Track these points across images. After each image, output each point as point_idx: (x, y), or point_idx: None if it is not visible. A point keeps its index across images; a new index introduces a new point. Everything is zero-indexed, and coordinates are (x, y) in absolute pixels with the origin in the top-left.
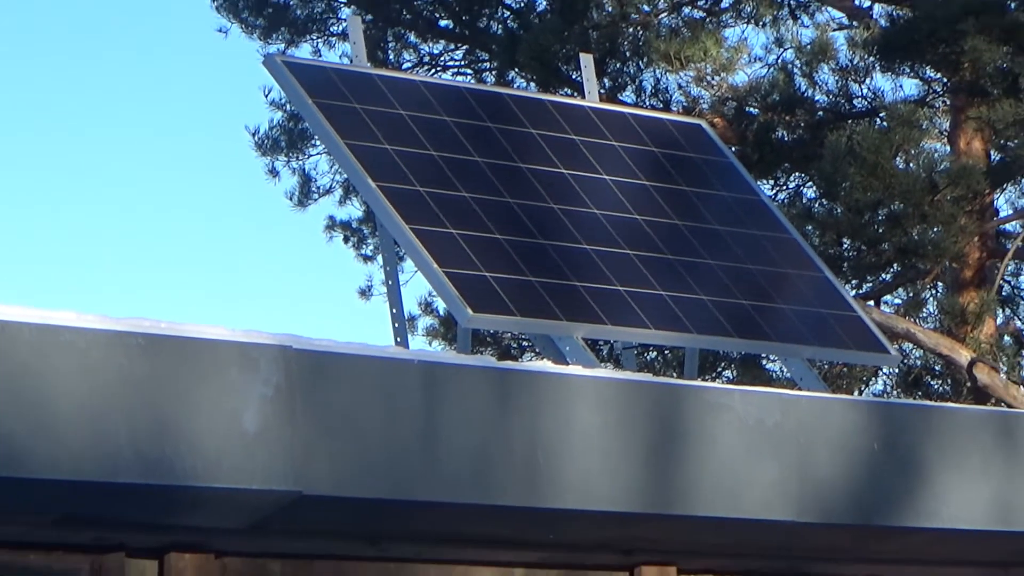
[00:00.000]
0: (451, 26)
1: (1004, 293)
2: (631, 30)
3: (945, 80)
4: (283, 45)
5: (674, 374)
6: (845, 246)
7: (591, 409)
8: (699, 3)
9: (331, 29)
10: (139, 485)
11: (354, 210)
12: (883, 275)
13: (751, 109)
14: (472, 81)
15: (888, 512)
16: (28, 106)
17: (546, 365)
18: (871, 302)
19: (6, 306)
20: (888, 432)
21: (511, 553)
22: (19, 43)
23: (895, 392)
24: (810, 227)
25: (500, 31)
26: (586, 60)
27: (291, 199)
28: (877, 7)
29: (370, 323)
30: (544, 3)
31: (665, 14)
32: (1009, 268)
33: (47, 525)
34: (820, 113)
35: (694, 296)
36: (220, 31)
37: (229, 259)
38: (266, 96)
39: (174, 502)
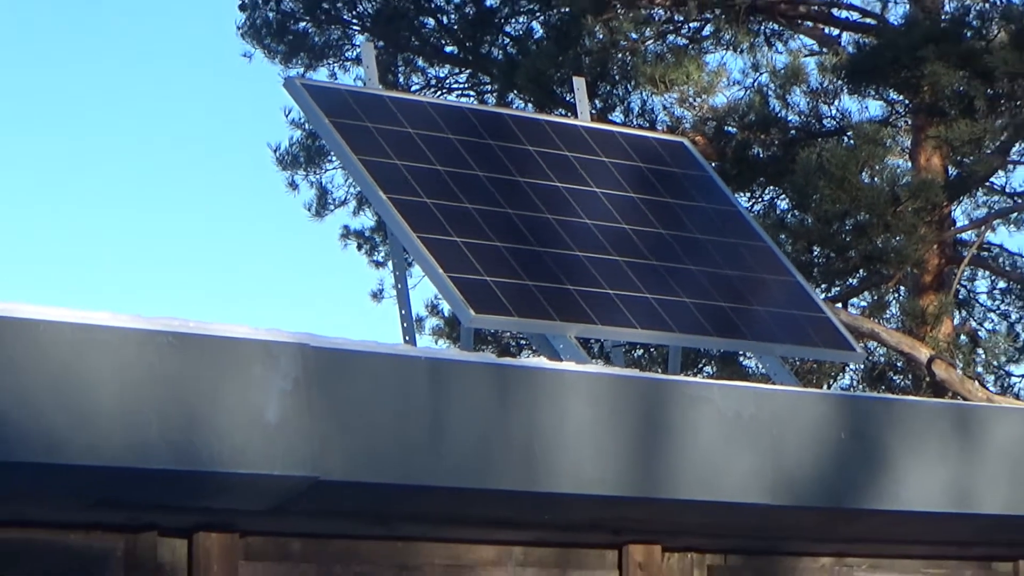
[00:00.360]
0: (456, 52)
1: (960, 296)
2: (620, 56)
3: (907, 102)
4: (302, 69)
5: (659, 370)
6: (815, 253)
7: (583, 402)
8: (682, 31)
9: (346, 54)
10: (169, 471)
11: (367, 220)
12: (850, 280)
13: (730, 128)
14: (475, 102)
15: (854, 496)
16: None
17: (542, 362)
18: (839, 304)
19: (47, 307)
20: (854, 423)
21: (509, 533)
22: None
23: (861, 386)
24: (783, 236)
25: (500, 56)
26: (579, 83)
27: (309, 210)
28: (845, 35)
29: (381, 323)
30: (540, 31)
31: (651, 41)
32: (965, 274)
33: (86, 507)
34: (792, 132)
35: (677, 299)
36: (245, 56)
37: (252, 264)
38: (286, 116)
39: (201, 486)
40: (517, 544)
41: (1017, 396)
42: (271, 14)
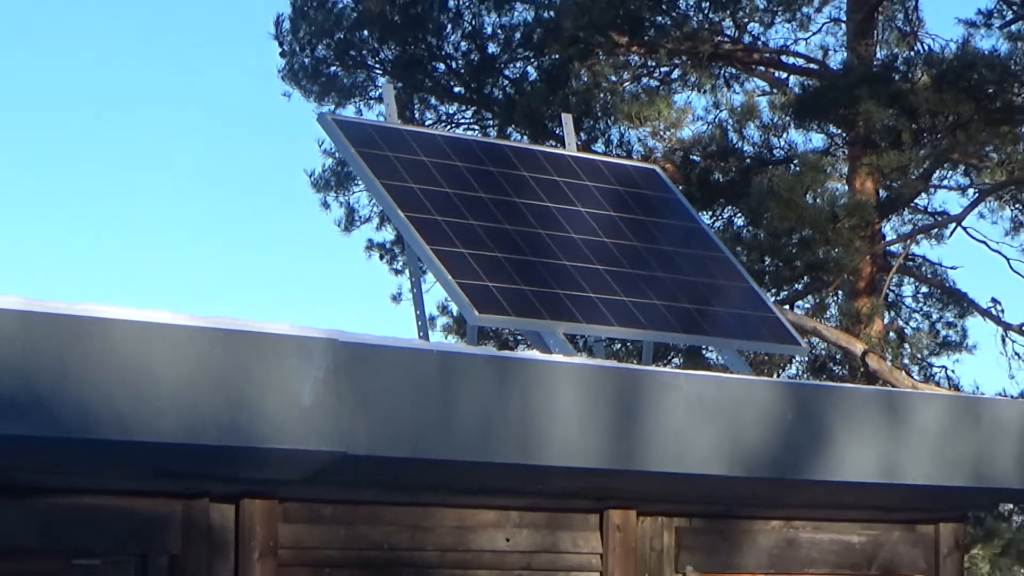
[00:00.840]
0: (463, 92)
1: (890, 299)
2: (602, 95)
3: (844, 135)
4: (333, 106)
5: (634, 361)
6: (766, 263)
7: (570, 388)
8: (654, 74)
9: (370, 94)
10: (219, 447)
11: (387, 235)
12: (796, 285)
13: (694, 157)
14: (478, 134)
15: (799, 468)
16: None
17: (535, 355)
18: (786, 306)
19: (116, 308)
20: (799, 406)
21: (507, 499)
22: (141, 105)
23: (805, 375)
24: (739, 248)
25: (500, 96)
26: (567, 119)
27: (339, 226)
28: (792, 78)
29: (399, 322)
30: (534, 74)
31: (628, 83)
32: (894, 280)
33: (149, 478)
34: (747, 160)
35: (649, 301)
36: (284, 95)
37: (290, 271)
38: (319, 146)
39: (246, 460)
40: (514, 509)
41: (938, 384)
42: (306, 60)
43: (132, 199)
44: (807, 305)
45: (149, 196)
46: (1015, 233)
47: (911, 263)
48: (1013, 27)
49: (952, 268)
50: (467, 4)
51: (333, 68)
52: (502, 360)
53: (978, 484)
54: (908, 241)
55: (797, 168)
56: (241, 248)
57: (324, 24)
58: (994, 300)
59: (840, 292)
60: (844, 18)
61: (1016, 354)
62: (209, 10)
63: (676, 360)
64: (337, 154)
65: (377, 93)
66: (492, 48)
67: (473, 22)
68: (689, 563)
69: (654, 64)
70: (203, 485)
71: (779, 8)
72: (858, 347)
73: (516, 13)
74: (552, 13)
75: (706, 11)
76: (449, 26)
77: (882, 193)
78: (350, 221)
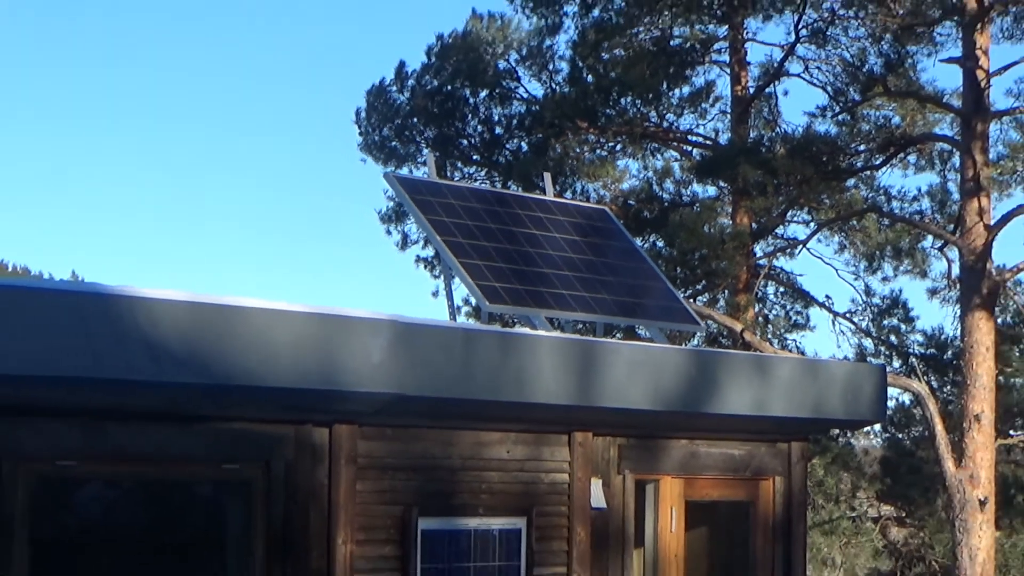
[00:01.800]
0: (479, 158)
1: (759, 295)
2: (570, 161)
3: (729, 187)
4: (393, 168)
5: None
6: (678, 271)
7: (548, 353)
8: (604, 147)
9: (418, 160)
10: (320, 390)
11: (428, 252)
12: (697, 286)
13: (631, 201)
14: (489, 186)
15: (698, 404)
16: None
17: (526, 331)
18: (691, 299)
19: (251, 299)
20: (699, 364)
21: (508, 425)
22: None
23: (703, 344)
24: (660, 261)
25: (503, 161)
26: (547, 176)
27: (397, 246)
28: (695, 150)
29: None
30: (526, 147)
31: (587, 152)
32: (761, 283)
33: (273, 411)
34: (665, 203)
35: (600, 296)
36: (362, 160)
37: (365, 277)
38: (384, 194)
39: (337, 399)
40: (511, 431)
41: (790, 351)
42: (376, 137)
43: (266, 225)
44: (704, 299)
45: (277, 222)
46: (841, 252)
47: (773, 271)
48: (839, 117)
49: (800, 275)
50: (482, 101)
51: (393, 143)
52: (504, 335)
53: (816, 416)
54: (771, 257)
55: (698, 209)
56: (333, 260)
57: (387, 114)
58: (827, 296)
59: (726, 291)
60: (729, 111)
61: (842, 331)
62: (309, 104)
63: (618, 335)
64: (396, 199)
65: (422, 159)
66: (498, 130)
67: (485, 113)
68: (627, 468)
69: (604, 140)
70: (308, 415)
71: (686, 104)
72: (738, 327)
73: (513, 107)
74: (537, 107)
75: (638, 106)
76: (469, 115)
77: (754, 225)
78: (404, 243)
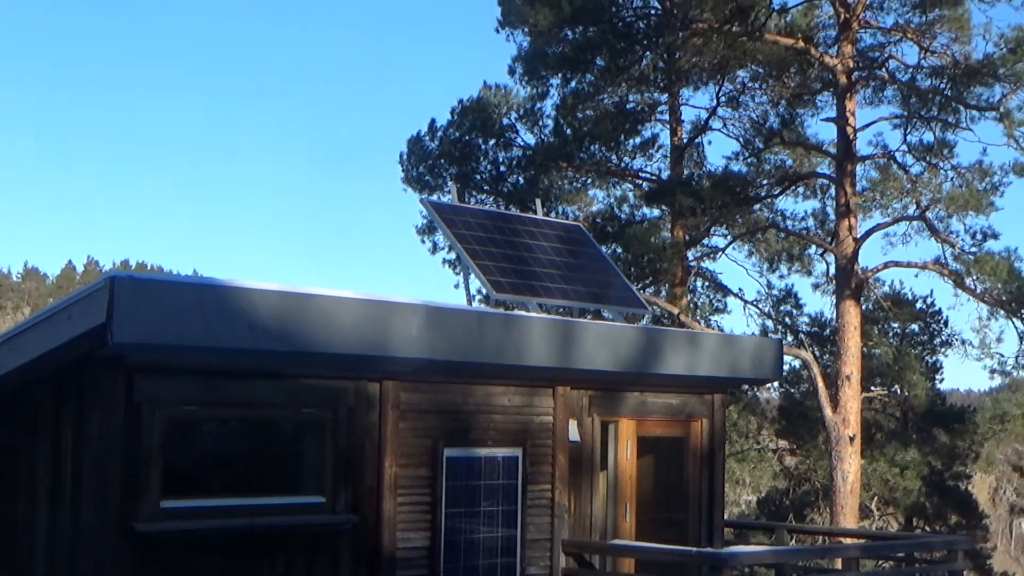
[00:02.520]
0: (488, 188)
1: (690, 288)
2: (554, 191)
3: (669, 209)
4: (427, 194)
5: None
6: (632, 270)
7: (539, 331)
8: (577, 181)
9: (445, 189)
10: (373, 356)
11: (452, 255)
12: (646, 281)
13: (598, 220)
14: (495, 208)
15: (647, 367)
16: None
17: (523, 313)
18: (641, 291)
19: (319, 288)
20: (647, 338)
21: (509, 381)
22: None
23: (650, 323)
24: (619, 263)
25: (506, 191)
26: (537, 201)
27: (429, 252)
28: (645, 184)
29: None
30: (522, 180)
31: (567, 184)
32: (692, 279)
33: (338, 370)
34: (623, 221)
35: (576, 287)
36: (404, 190)
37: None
38: (420, 214)
39: (386, 362)
40: (512, 386)
41: (712, 328)
42: (414, 172)
43: (338, 237)
44: (651, 291)
45: (346, 236)
46: (749, 257)
47: (700, 271)
48: (748, 160)
49: (720, 273)
50: (490, 147)
51: (426, 177)
52: (507, 316)
53: (731, 375)
54: (699, 260)
55: (646, 225)
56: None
57: (422, 156)
58: (740, 289)
59: (667, 285)
60: (668, 156)
61: (750, 315)
62: (366, 149)
63: (589, 316)
64: (428, 217)
65: (448, 189)
66: (502, 168)
67: (492, 156)
68: (595, 412)
69: (579, 176)
70: (364, 374)
71: (638, 150)
72: (675, 310)
73: (513, 151)
74: (530, 152)
75: (603, 151)
76: (481, 157)
77: (687, 237)
78: (434, 249)
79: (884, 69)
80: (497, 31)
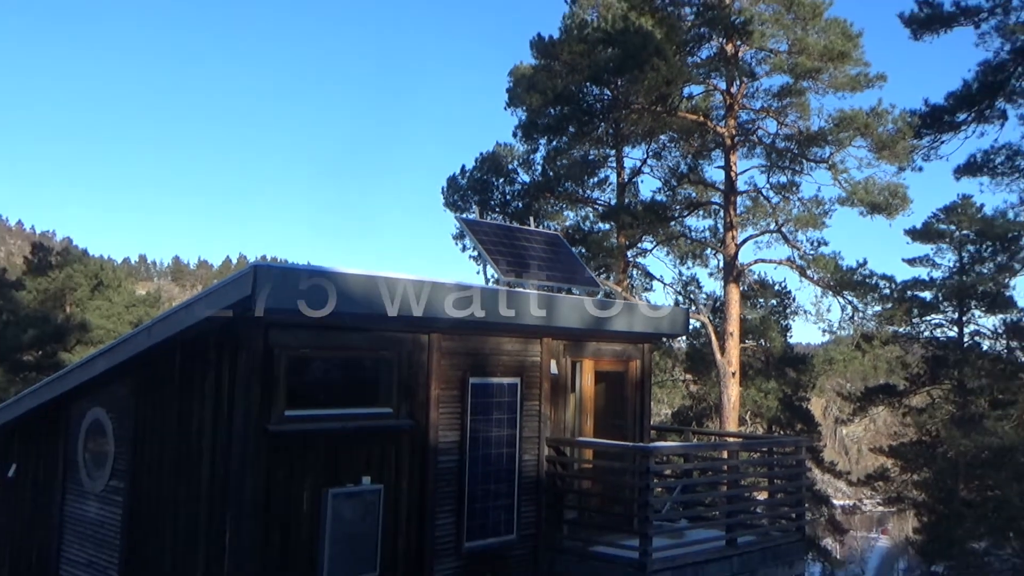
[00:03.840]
0: (499, 209)
1: (629, 275)
2: (541, 212)
3: (617, 225)
4: (459, 213)
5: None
6: (591, 264)
7: (532, 300)
8: (558, 205)
9: (471, 210)
10: (423, 317)
11: (474, 253)
12: (600, 270)
13: (570, 231)
14: (504, 222)
15: (601, 326)
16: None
17: (522, 290)
18: (597, 276)
19: (384, 270)
20: (601, 307)
21: (513, 334)
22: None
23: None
24: (583, 259)
25: (512, 211)
26: (531, 219)
27: (461, 250)
28: (600, 207)
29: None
30: (521, 205)
31: (549, 207)
32: (630, 270)
33: (398, 327)
34: (587, 232)
35: (556, 273)
36: (445, 209)
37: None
38: (455, 227)
39: (431, 321)
40: (513, 336)
41: (643, 301)
42: (450, 200)
43: (402, 244)
44: (603, 276)
45: (408, 243)
46: (668, 255)
47: (636, 265)
48: (667, 193)
49: (648, 266)
50: (499, 184)
51: (459, 202)
52: (511, 291)
53: (655, 331)
54: (635, 257)
55: (601, 235)
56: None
57: (456, 188)
58: (660, 276)
59: (613, 272)
60: (615, 189)
61: (668, 293)
62: (419, 182)
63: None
64: (460, 228)
65: (473, 210)
66: (508, 196)
67: (502, 189)
68: (568, 354)
69: (558, 203)
70: (418, 329)
71: (596, 186)
72: (620, 289)
73: (515, 186)
74: (526, 186)
75: (574, 186)
76: (495, 190)
77: (627, 242)
78: (463, 248)
79: (755, 135)
80: (505, 108)
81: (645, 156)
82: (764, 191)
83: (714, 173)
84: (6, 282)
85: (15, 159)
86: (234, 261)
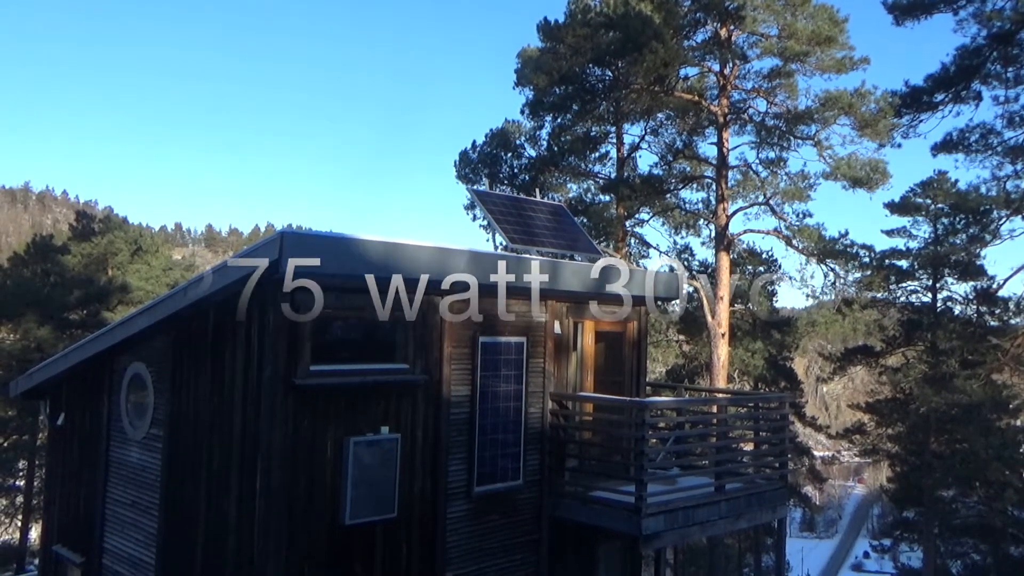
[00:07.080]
0: (508, 182)
1: (628, 244)
2: (546, 185)
3: (617, 197)
4: (470, 185)
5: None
6: (593, 233)
7: (537, 267)
8: (562, 178)
9: (481, 182)
10: (437, 279)
11: (485, 222)
12: (601, 239)
13: (573, 202)
14: (512, 193)
15: (601, 289)
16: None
17: (529, 256)
18: (598, 244)
19: (403, 237)
20: (601, 272)
21: (518, 296)
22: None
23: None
24: (585, 228)
25: (520, 183)
26: (537, 190)
27: (472, 220)
28: (601, 180)
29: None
30: (528, 178)
31: (554, 180)
32: (629, 239)
33: (418, 289)
34: (588, 203)
35: (560, 240)
36: (457, 181)
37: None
38: (467, 197)
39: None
40: (521, 299)
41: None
42: (463, 172)
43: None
44: (604, 244)
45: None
46: (664, 225)
47: (634, 234)
48: (663, 167)
49: (645, 235)
50: (508, 158)
51: (470, 175)
52: (518, 257)
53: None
54: (632, 227)
55: (601, 205)
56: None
57: (468, 162)
58: (657, 245)
59: (613, 240)
60: (615, 163)
61: (664, 259)
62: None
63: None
64: (471, 199)
65: (483, 182)
66: (516, 170)
67: (510, 163)
68: (570, 316)
69: (561, 175)
70: (432, 291)
71: (597, 160)
72: (619, 256)
73: (522, 160)
74: (532, 160)
75: (577, 161)
76: (503, 164)
77: (625, 213)
78: (474, 218)
79: (746, 114)
80: (514, 87)
81: (643, 133)
82: (754, 166)
83: (707, 149)
84: (53, 247)
85: (62, 134)
86: (262, 229)
